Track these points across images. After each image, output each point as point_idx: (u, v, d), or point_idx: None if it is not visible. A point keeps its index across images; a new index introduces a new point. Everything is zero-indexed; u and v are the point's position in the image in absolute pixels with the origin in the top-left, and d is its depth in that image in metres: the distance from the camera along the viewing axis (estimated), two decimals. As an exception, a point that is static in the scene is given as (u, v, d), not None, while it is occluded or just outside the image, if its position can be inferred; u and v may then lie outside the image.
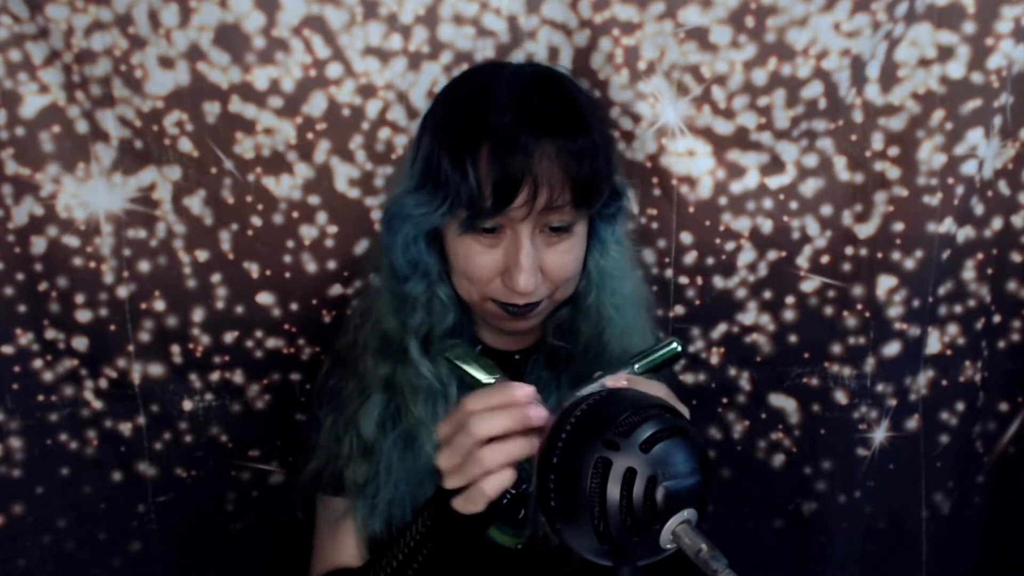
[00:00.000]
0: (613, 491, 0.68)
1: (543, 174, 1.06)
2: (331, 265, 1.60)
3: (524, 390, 0.88)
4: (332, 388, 1.31)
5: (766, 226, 1.62)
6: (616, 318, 1.22)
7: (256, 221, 1.57)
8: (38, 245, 1.54)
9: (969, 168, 1.58)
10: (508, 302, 1.15)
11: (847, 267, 1.63)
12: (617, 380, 0.87)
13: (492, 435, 0.86)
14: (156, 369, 1.61)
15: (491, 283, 1.14)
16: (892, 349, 1.66)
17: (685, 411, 0.87)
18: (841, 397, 1.67)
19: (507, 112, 1.07)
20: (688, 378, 1.69)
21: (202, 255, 1.58)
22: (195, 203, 1.56)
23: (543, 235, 1.12)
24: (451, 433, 0.90)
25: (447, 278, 1.20)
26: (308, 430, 1.32)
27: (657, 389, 0.91)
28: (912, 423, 1.70)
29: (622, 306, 1.23)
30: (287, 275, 1.60)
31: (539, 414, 0.86)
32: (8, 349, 1.57)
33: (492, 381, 0.99)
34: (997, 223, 1.65)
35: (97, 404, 1.62)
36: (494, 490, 0.87)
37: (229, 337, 1.62)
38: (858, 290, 1.64)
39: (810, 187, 1.60)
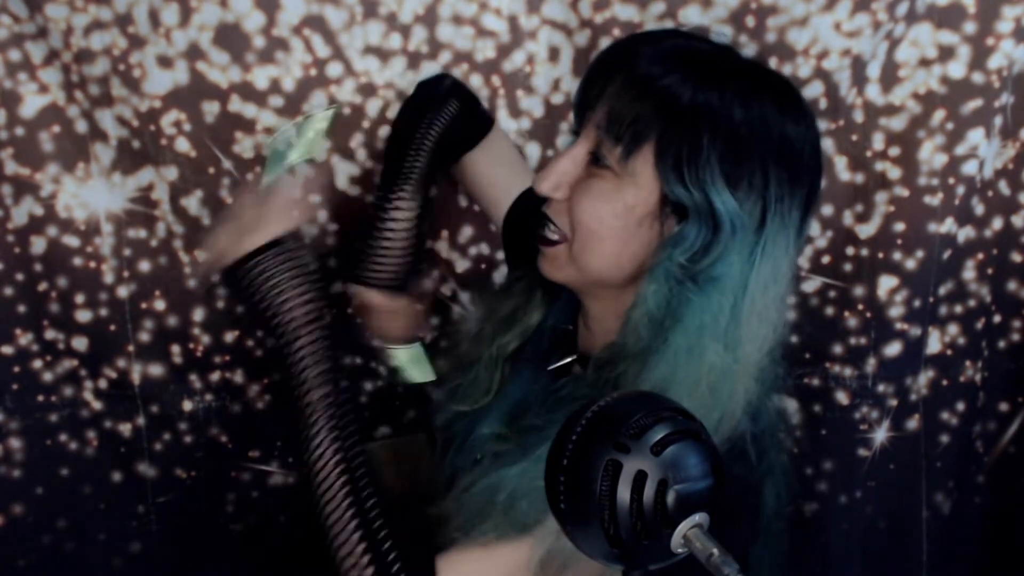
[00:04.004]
0: (623, 494, 0.68)
1: (618, 83, 0.99)
2: (331, 264, 1.60)
3: None
4: None
5: (767, 226, 1.62)
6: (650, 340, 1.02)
7: (256, 221, 1.56)
8: (38, 245, 1.54)
9: (970, 168, 1.58)
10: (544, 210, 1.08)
11: (848, 267, 1.63)
12: None
13: None
14: (156, 369, 1.61)
15: None
16: (893, 349, 1.66)
17: None
18: (842, 397, 1.68)
19: (637, 35, 1.07)
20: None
21: (202, 255, 1.58)
22: (193, 203, 1.55)
23: (590, 166, 1.03)
24: None
25: None
26: None
27: None
28: (913, 423, 1.70)
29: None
30: (287, 275, 1.59)
31: None
32: (8, 349, 1.57)
33: None
34: (997, 223, 1.65)
35: (97, 404, 1.61)
36: None
37: (229, 337, 1.61)
38: (859, 290, 1.64)
39: (811, 187, 1.60)
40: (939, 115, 1.56)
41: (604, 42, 1.52)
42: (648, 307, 1.01)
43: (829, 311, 1.65)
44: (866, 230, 1.62)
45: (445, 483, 1.17)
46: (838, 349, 1.67)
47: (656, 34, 1.09)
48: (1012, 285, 1.69)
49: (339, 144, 1.55)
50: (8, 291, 1.55)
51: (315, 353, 1.03)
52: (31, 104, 1.49)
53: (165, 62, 1.47)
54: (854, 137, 1.58)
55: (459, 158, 1.37)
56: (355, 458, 1.02)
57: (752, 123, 0.97)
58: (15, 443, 1.59)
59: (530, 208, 1.14)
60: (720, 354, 0.99)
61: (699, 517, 0.68)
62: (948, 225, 1.60)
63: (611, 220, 1.01)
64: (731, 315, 0.99)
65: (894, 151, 1.58)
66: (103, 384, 1.61)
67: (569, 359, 1.17)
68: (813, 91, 1.54)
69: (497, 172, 1.38)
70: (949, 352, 1.70)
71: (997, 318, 1.70)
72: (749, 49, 1.52)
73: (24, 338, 1.57)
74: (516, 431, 1.13)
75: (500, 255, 1.58)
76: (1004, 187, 1.64)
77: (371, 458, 1.07)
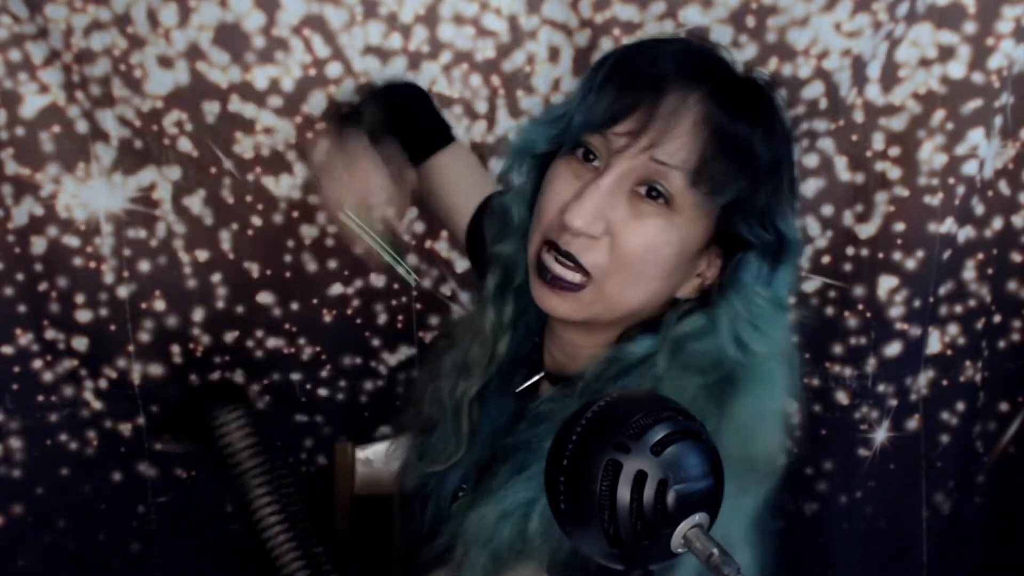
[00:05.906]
0: (623, 494, 0.67)
1: (668, 110, 0.90)
2: (331, 264, 1.60)
3: None
4: None
5: (767, 226, 1.62)
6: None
7: (256, 221, 1.57)
8: (38, 245, 1.54)
9: (970, 168, 1.58)
10: (553, 240, 0.96)
11: (848, 267, 1.63)
12: None
13: None
14: (156, 369, 1.61)
15: (552, 220, 0.96)
16: (893, 349, 1.65)
17: None
18: (842, 397, 1.67)
19: (659, 47, 0.96)
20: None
21: (202, 255, 1.58)
22: (195, 203, 1.55)
23: (635, 197, 0.93)
24: None
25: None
26: None
27: None
28: (913, 423, 1.70)
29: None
30: (287, 275, 1.60)
31: None
32: (8, 349, 1.57)
33: None
34: (997, 223, 1.65)
35: (97, 404, 1.61)
36: None
37: (229, 337, 1.61)
38: (859, 290, 1.64)
39: (811, 187, 1.60)
40: (939, 115, 1.56)
41: (604, 42, 1.52)
42: (720, 335, 0.97)
43: (829, 311, 1.65)
44: (866, 230, 1.62)
45: (424, 536, 1.10)
46: (838, 349, 1.67)
47: (683, 50, 0.98)
48: (1012, 285, 1.69)
49: (339, 144, 1.55)
50: (8, 291, 1.55)
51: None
52: (31, 104, 1.49)
53: (165, 62, 1.48)
54: (854, 137, 1.58)
55: (423, 160, 1.30)
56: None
57: (790, 156, 0.99)
58: (15, 443, 1.59)
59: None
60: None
61: (699, 517, 0.68)
62: (948, 225, 1.60)
63: (665, 253, 0.94)
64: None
65: (894, 151, 1.58)
66: (103, 384, 1.61)
67: (536, 377, 1.09)
68: (813, 91, 1.54)
69: (463, 179, 1.32)
70: (949, 352, 1.70)
71: (997, 318, 1.70)
72: (750, 49, 1.52)
73: (24, 338, 1.57)
74: (497, 454, 1.07)
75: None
76: (1004, 187, 1.64)
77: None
